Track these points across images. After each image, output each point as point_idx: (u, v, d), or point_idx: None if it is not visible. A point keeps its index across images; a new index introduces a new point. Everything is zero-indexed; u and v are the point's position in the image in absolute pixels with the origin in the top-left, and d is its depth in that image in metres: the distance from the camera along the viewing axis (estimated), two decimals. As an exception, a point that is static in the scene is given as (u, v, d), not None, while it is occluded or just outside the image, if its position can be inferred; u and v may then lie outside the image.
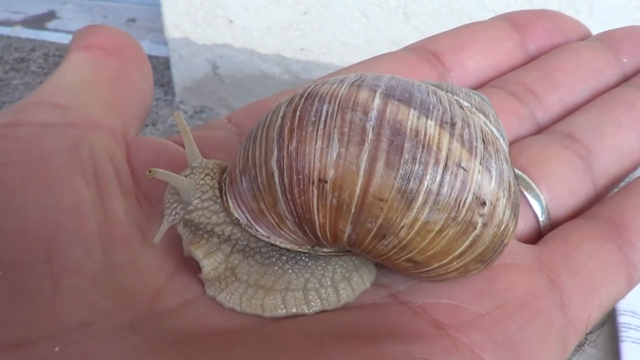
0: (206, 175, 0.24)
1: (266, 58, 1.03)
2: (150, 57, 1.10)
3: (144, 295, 0.22)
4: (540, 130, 0.34)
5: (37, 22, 1.23)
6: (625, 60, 0.36)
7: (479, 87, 0.35)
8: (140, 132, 0.30)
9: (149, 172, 0.23)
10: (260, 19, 1.00)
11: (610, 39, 0.37)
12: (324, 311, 0.23)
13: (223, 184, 0.23)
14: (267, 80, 1.04)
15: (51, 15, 1.27)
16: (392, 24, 0.91)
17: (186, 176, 0.24)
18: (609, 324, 0.61)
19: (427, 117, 0.20)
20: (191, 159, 0.24)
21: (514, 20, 0.38)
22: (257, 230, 0.23)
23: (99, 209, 0.23)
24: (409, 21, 0.89)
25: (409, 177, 0.20)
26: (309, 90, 0.22)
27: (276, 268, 0.23)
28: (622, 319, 0.60)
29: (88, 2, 1.25)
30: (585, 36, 0.39)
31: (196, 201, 0.23)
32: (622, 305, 0.62)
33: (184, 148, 0.25)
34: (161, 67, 1.07)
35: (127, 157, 0.26)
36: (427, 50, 0.35)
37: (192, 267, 0.23)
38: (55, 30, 1.26)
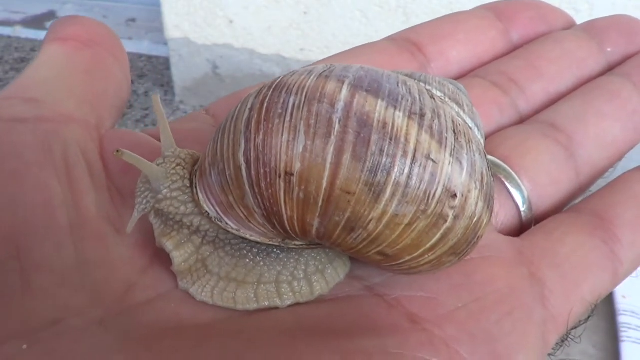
0: (177, 165, 0.23)
1: (266, 58, 1.03)
2: (150, 57, 1.10)
3: (115, 291, 0.22)
4: (523, 120, 0.33)
5: (37, 22, 1.24)
6: (609, 50, 0.36)
7: (461, 77, 0.35)
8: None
9: (117, 151, 0.22)
10: (260, 19, 0.99)
11: (595, 29, 0.37)
12: (297, 304, 0.23)
13: (194, 177, 0.23)
14: (267, 80, 1.04)
15: (51, 15, 1.27)
16: (392, 24, 0.90)
17: (158, 165, 0.23)
18: (609, 324, 0.60)
19: (395, 108, 0.20)
20: (165, 147, 0.24)
21: (498, 10, 0.37)
22: (226, 224, 0.22)
23: (71, 204, 0.23)
24: (409, 21, 0.88)
25: (376, 169, 0.19)
26: (277, 81, 0.21)
27: (247, 261, 0.23)
28: (622, 319, 0.60)
29: (88, 2, 1.25)
30: (570, 26, 0.39)
31: (165, 190, 0.23)
32: (622, 305, 0.61)
33: (159, 140, 0.25)
34: (161, 67, 1.07)
35: (100, 151, 0.26)
36: (408, 41, 0.35)
37: (165, 261, 0.23)
38: (56, 30, 1.25)
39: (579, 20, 0.39)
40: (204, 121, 0.30)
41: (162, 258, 0.23)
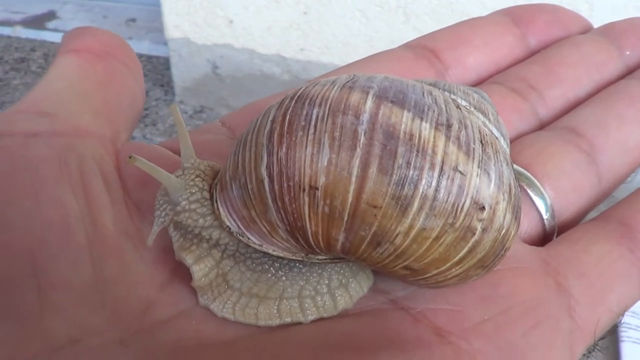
0: (197, 176, 0.23)
1: (266, 58, 1.02)
2: (150, 57, 1.10)
3: (135, 309, 0.21)
4: (543, 126, 0.33)
5: (37, 22, 1.23)
6: (628, 53, 0.36)
7: (479, 83, 0.35)
8: (139, 133, 0.29)
9: (130, 157, 0.22)
10: (260, 19, 0.99)
11: (613, 32, 0.36)
12: (321, 319, 0.22)
13: (214, 190, 0.23)
14: (267, 80, 1.03)
15: (51, 15, 1.26)
16: (392, 24, 0.90)
17: (177, 177, 0.23)
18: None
19: (421, 119, 0.20)
20: (185, 159, 0.24)
21: (514, 15, 0.37)
22: (249, 239, 0.22)
23: (87, 220, 0.22)
24: (409, 21, 0.88)
25: (403, 182, 0.19)
26: (300, 92, 0.21)
27: (269, 275, 0.23)
28: (622, 319, 0.60)
29: (88, 2, 1.24)
30: (587, 30, 0.38)
31: (184, 202, 0.22)
32: (622, 305, 0.61)
33: (175, 152, 0.24)
34: (161, 67, 1.07)
35: (116, 165, 0.25)
36: (425, 48, 0.34)
37: (184, 277, 0.23)
38: (55, 30, 1.25)
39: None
40: (220, 133, 0.29)
41: (182, 274, 0.23)
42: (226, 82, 1.05)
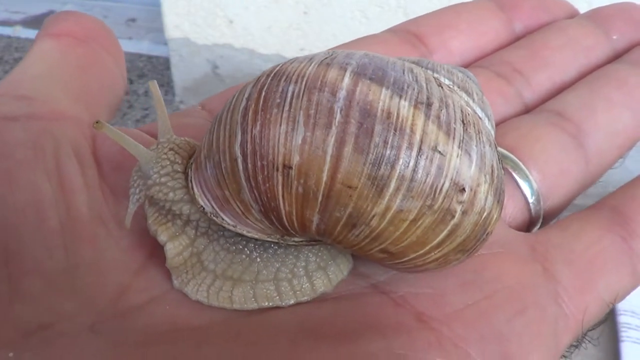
0: (170, 149, 0.22)
1: (266, 58, 1.02)
2: (150, 57, 1.09)
3: (108, 294, 0.21)
4: (529, 110, 0.32)
5: (37, 22, 1.23)
6: (615, 37, 0.35)
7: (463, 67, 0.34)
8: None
9: (97, 123, 0.21)
10: (260, 19, 0.99)
11: (600, 16, 0.36)
12: (299, 303, 0.22)
13: (190, 170, 0.22)
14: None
15: (51, 15, 1.26)
16: (392, 24, 0.89)
17: (152, 150, 0.22)
18: (609, 324, 0.60)
19: (400, 97, 0.19)
20: (161, 134, 0.23)
21: (500, 0, 0.36)
22: (223, 219, 0.21)
23: (61, 205, 0.22)
24: (409, 21, 0.88)
25: (379, 162, 0.18)
26: (277, 68, 0.20)
27: (243, 256, 0.22)
28: (622, 319, 0.59)
29: (88, 2, 1.24)
30: (573, 15, 0.38)
31: (155, 175, 0.22)
32: (622, 305, 0.61)
33: (154, 137, 0.24)
34: (161, 67, 1.06)
35: (92, 150, 0.25)
36: (409, 32, 0.34)
37: (159, 262, 0.22)
38: (56, 31, 1.25)
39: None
40: (199, 116, 0.29)
41: (157, 259, 0.22)
42: (226, 82, 1.05)
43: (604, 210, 0.27)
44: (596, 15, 0.36)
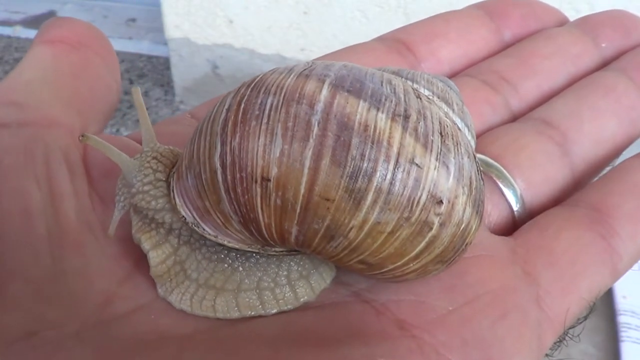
0: (153, 158, 0.23)
1: (266, 58, 1.02)
2: (150, 57, 1.10)
3: (93, 302, 0.21)
4: (516, 118, 0.32)
5: (37, 22, 1.23)
6: (604, 45, 0.35)
7: (452, 76, 0.34)
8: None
9: (82, 136, 0.22)
10: (260, 19, 0.99)
11: (588, 24, 0.36)
12: (282, 312, 0.22)
13: (172, 179, 0.22)
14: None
15: (51, 15, 1.26)
16: (392, 24, 0.89)
17: (135, 159, 0.23)
18: (609, 324, 0.60)
19: (377, 109, 0.19)
20: (145, 143, 0.23)
21: (489, 9, 0.36)
22: (204, 230, 0.21)
23: (49, 212, 0.22)
24: (409, 21, 0.87)
25: (356, 175, 0.18)
26: (257, 79, 0.20)
27: (226, 265, 0.22)
28: (622, 319, 0.59)
29: (88, 2, 1.24)
30: (562, 23, 0.37)
31: (138, 184, 0.22)
32: (622, 305, 0.61)
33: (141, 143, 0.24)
34: (161, 67, 1.07)
35: (82, 157, 0.25)
36: (398, 41, 0.34)
37: (145, 270, 0.22)
38: (57, 30, 1.25)
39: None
40: (187, 124, 0.29)
41: (143, 268, 0.22)
42: (226, 82, 1.05)
43: (581, 209, 0.27)
44: (585, 23, 0.36)
